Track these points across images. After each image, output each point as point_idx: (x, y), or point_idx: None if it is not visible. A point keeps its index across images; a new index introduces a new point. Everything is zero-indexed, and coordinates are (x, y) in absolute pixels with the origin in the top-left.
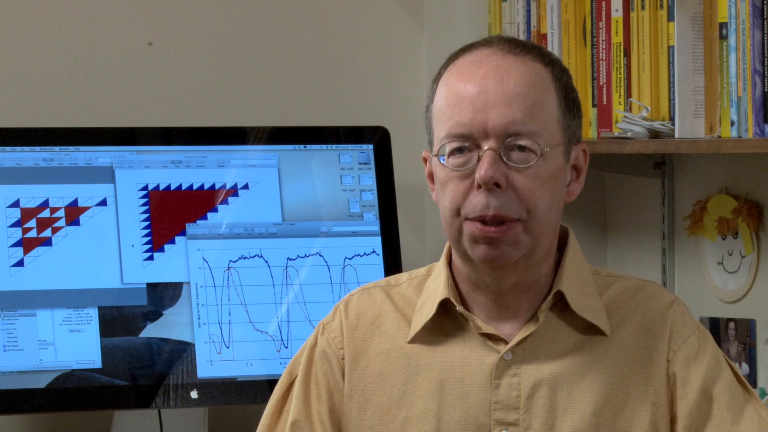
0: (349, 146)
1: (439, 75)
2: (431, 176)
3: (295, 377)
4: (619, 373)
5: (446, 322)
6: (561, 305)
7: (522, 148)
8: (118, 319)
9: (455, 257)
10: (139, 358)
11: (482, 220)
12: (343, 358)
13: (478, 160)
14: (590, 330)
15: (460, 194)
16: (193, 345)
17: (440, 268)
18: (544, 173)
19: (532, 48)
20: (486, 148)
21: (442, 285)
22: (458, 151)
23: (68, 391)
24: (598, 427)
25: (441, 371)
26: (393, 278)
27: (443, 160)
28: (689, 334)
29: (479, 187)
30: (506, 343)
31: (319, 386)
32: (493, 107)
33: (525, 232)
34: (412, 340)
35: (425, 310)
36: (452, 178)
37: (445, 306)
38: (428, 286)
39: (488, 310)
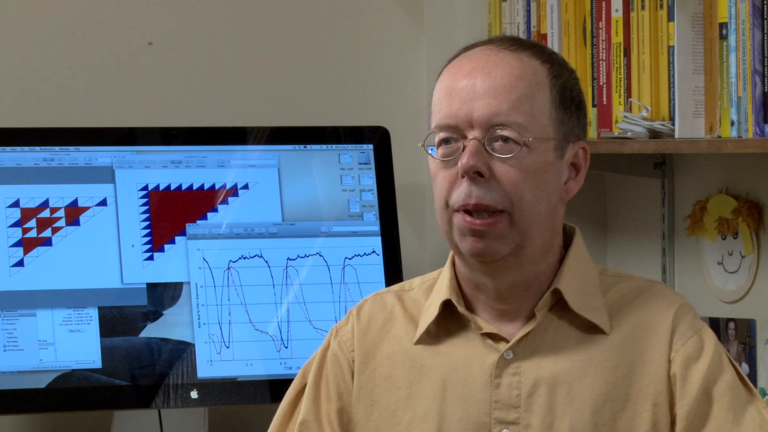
0: (349, 146)
1: (440, 73)
2: None
3: (308, 380)
4: (619, 373)
5: (450, 323)
6: (561, 304)
7: (505, 139)
8: (118, 319)
9: (456, 259)
10: (139, 358)
11: (467, 211)
12: (353, 361)
13: (464, 150)
14: (591, 329)
15: (447, 185)
16: (193, 345)
17: (445, 270)
18: (530, 166)
19: (531, 45)
20: (470, 137)
21: (445, 286)
22: (445, 141)
23: (68, 391)
24: (596, 427)
25: (444, 372)
26: (407, 283)
27: (432, 151)
28: (691, 335)
29: (463, 176)
30: (507, 342)
31: (329, 388)
32: (479, 98)
33: (511, 225)
34: (418, 342)
35: (430, 312)
36: (440, 169)
37: (448, 307)
38: (435, 288)
39: (490, 311)
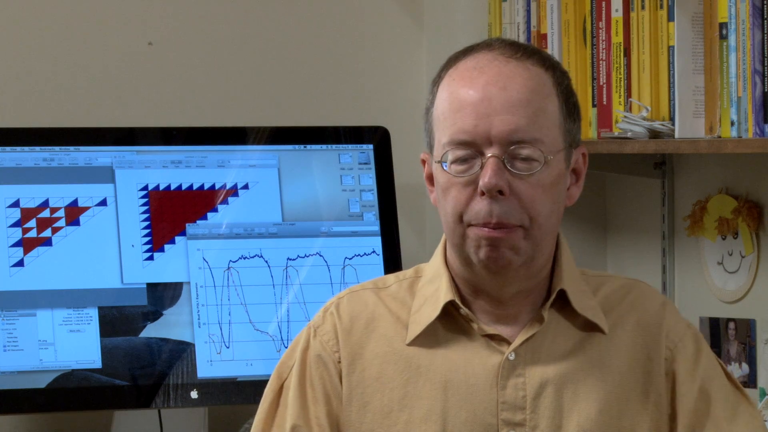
0: (349, 146)
1: (440, 78)
2: (430, 178)
3: (285, 380)
4: (620, 372)
5: (447, 324)
6: (560, 305)
7: (525, 156)
8: (118, 319)
9: (455, 262)
10: (139, 358)
11: (485, 226)
12: (339, 362)
13: (482, 167)
14: (589, 328)
15: (462, 201)
16: (193, 345)
17: (438, 270)
18: (546, 180)
19: (532, 52)
20: (489, 155)
21: (445, 287)
22: (461, 158)
23: (68, 391)
24: (603, 426)
25: (444, 372)
26: (379, 280)
27: (445, 166)
28: (684, 333)
29: (482, 194)
30: (509, 343)
31: (315, 390)
32: (496, 114)
33: (525, 239)
34: (412, 343)
35: (425, 313)
36: (455, 184)
37: (445, 308)
38: (423, 288)
39: (489, 314)
